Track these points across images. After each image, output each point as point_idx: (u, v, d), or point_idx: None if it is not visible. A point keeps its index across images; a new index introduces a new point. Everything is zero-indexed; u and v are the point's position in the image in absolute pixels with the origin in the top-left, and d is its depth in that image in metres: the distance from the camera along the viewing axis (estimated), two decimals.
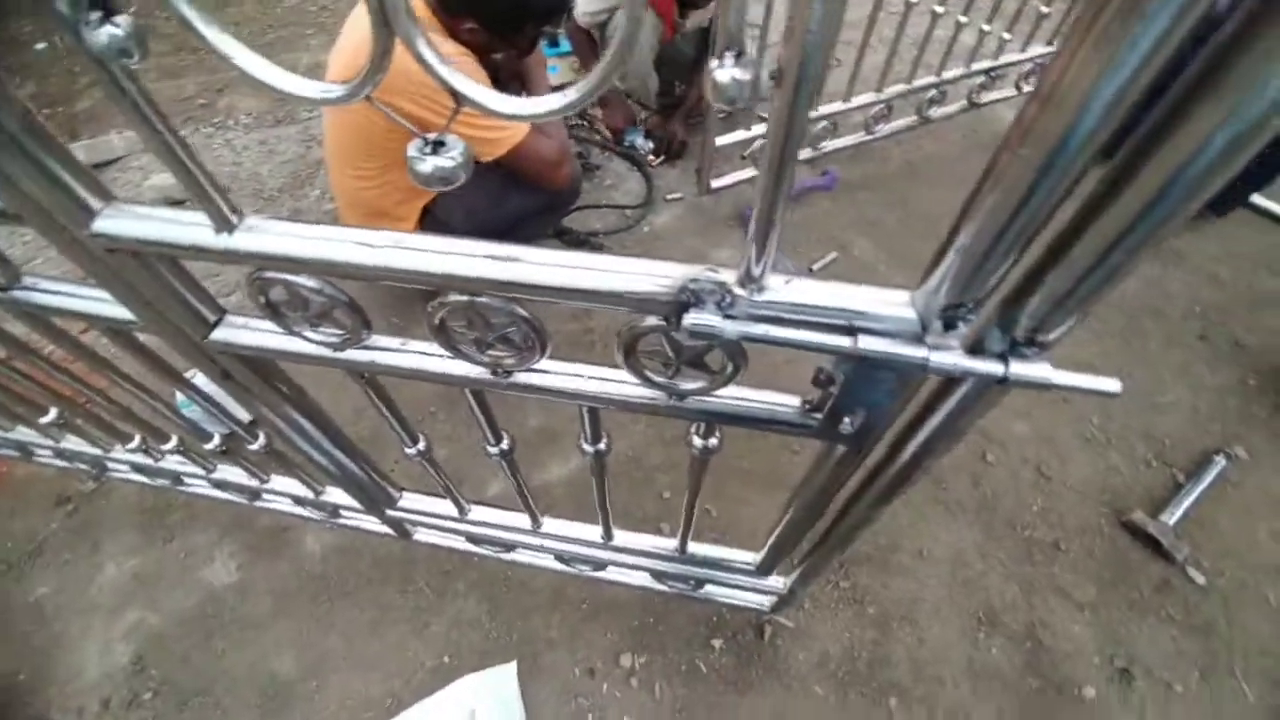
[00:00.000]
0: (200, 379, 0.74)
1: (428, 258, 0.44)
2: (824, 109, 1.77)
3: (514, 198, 1.38)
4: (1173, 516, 1.33)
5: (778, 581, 1.03)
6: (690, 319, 0.40)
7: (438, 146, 0.36)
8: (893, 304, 0.40)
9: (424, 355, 0.58)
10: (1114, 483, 1.42)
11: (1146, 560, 1.31)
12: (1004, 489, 1.42)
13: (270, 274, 0.48)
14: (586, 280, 0.43)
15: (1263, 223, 1.93)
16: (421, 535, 1.19)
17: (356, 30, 1.24)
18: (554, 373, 0.56)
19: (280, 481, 1.13)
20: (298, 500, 1.16)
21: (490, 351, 0.55)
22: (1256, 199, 1.88)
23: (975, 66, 1.92)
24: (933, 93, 1.90)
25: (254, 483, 1.13)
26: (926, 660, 1.20)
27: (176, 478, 1.19)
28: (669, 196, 1.97)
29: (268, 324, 0.56)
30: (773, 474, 1.41)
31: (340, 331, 0.55)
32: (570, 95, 0.31)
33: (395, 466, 1.38)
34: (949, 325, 0.39)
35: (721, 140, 1.71)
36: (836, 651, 1.21)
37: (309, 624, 1.24)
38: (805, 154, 1.92)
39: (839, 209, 1.99)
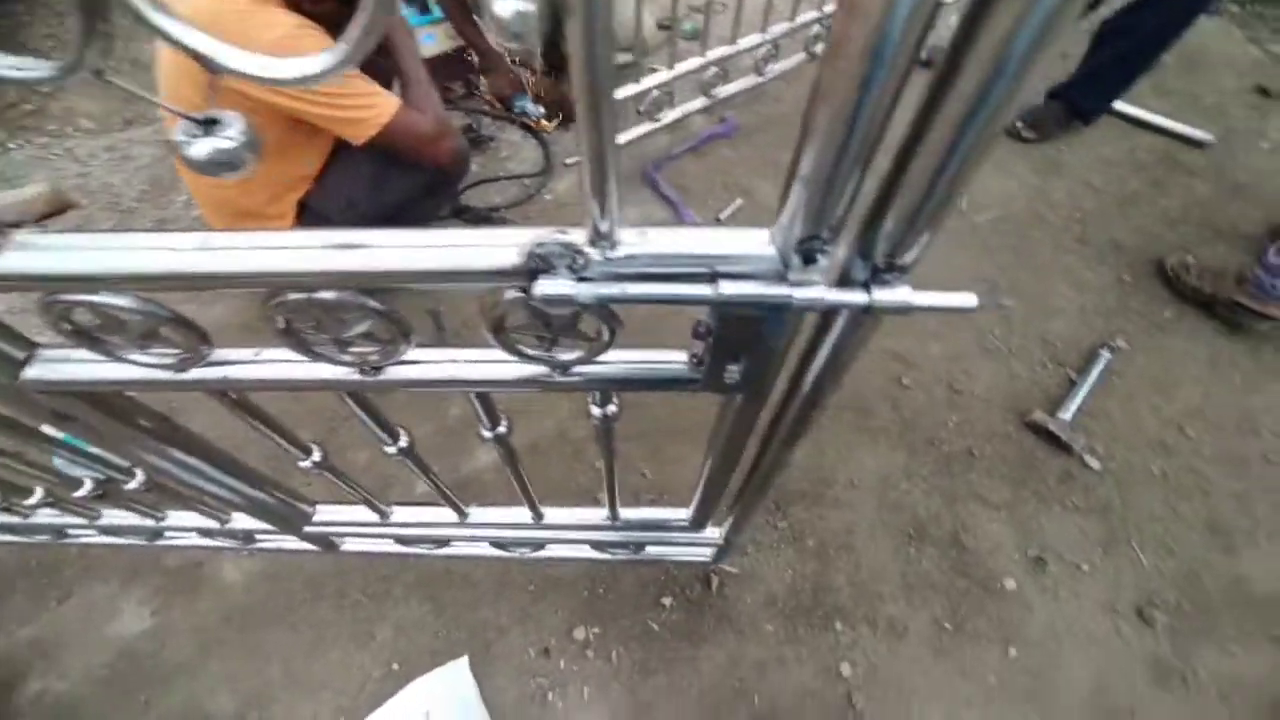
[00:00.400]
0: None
1: (240, 256, 0.38)
2: (711, 54, 1.74)
3: (396, 180, 1.29)
4: (1068, 412, 1.43)
5: (713, 533, 1.04)
6: (541, 286, 0.37)
7: (210, 125, 0.30)
8: (753, 243, 0.39)
9: (282, 363, 0.53)
10: (1016, 388, 1.52)
11: (1049, 455, 1.41)
12: (921, 409, 1.49)
13: (66, 296, 0.42)
14: (429, 260, 0.40)
15: (1125, 127, 2.06)
16: (349, 545, 1.14)
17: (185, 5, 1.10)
18: (427, 362, 0.52)
19: (179, 516, 1.04)
20: (204, 532, 1.08)
21: (351, 349, 0.50)
22: (1119, 105, 2.00)
23: None
24: (816, 28, 1.90)
25: (149, 522, 1.03)
26: (865, 581, 1.26)
27: (58, 531, 1.08)
28: (568, 161, 1.91)
29: (88, 353, 0.49)
30: (705, 430, 1.42)
31: (175, 351, 0.49)
32: (338, 53, 0.27)
33: (313, 480, 1.30)
34: (808, 259, 0.37)
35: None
36: (781, 589, 1.25)
37: (241, 657, 1.17)
38: (702, 102, 1.89)
39: (740, 155, 1.99)
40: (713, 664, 1.17)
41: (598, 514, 0.99)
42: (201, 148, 0.30)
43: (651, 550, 1.13)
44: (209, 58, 0.28)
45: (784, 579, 1.26)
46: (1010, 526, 1.33)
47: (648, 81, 1.70)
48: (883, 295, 0.37)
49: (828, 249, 0.37)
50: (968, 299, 0.38)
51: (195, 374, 0.52)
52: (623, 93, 1.69)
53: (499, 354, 0.52)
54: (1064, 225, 1.83)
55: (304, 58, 0.30)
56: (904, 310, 0.37)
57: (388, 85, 1.24)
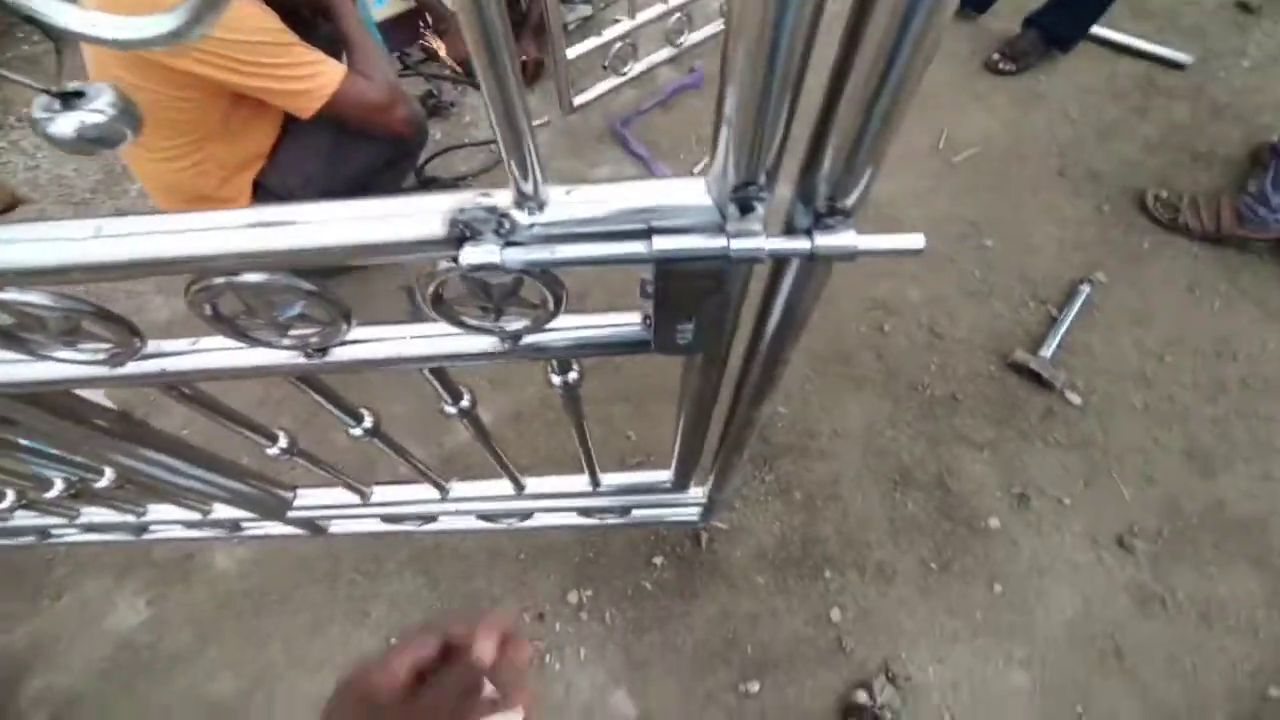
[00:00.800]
0: None
1: (142, 242, 0.36)
2: (673, 0, 1.67)
3: (352, 154, 1.24)
4: (1049, 349, 1.43)
5: (697, 492, 1.05)
6: (466, 255, 0.36)
7: (73, 99, 0.28)
8: (688, 195, 0.37)
9: (221, 351, 0.51)
10: (998, 328, 1.51)
11: (1031, 393, 1.42)
12: (903, 355, 1.49)
13: None
14: (350, 234, 0.38)
15: (1103, 52, 2.00)
16: (337, 527, 1.14)
17: None
18: (372, 341, 0.51)
19: (160, 510, 1.04)
20: (188, 524, 1.07)
21: (291, 333, 0.48)
22: (1097, 30, 1.94)
23: None
24: None
25: (129, 518, 1.03)
26: (853, 528, 1.28)
27: (41, 532, 1.07)
28: (534, 123, 1.84)
29: (10, 353, 0.47)
30: None
31: (105, 345, 0.47)
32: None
33: (295, 465, 1.29)
34: (745, 208, 0.36)
35: (574, 52, 1.59)
36: (770, 542, 1.26)
37: (241, 642, 1.19)
38: (668, 52, 1.82)
39: (711, 106, 1.91)
40: (705, 618, 1.19)
41: (580, 481, 0.99)
42: (64, 124, 0.27)
43: (638, 513, 1.14)
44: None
45: (773, 531, 1.28)
46: (993, 466, 1.34)
47: (609, 33, 1.63)
48: (826, 240, 0.36)
49: (764, 195, 0.35)
50: (915, 240, 0.37)
51: (131, 368, 0.50)
52: (584, 47, 1.62)
53: (446, 328, 0.50)
54: (1043, 159, 1.79)
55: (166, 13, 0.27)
56: (849, 255, 0.36)
57: (335, 54, 1.18)
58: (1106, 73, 1.97)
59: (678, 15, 1.69)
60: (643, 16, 1.64)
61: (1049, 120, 1.88)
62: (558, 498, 1.02)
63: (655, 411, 1.41)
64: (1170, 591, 1.21)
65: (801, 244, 0.36)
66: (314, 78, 1.07)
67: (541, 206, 0.36)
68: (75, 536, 1.10)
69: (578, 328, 0.50)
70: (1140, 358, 1.47)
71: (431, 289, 0.43)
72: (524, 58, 1.85)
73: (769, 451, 1.36)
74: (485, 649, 0.39)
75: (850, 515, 1.29)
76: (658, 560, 1.24)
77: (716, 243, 0.36)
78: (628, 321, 0.51)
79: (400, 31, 1.85)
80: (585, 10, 1.89)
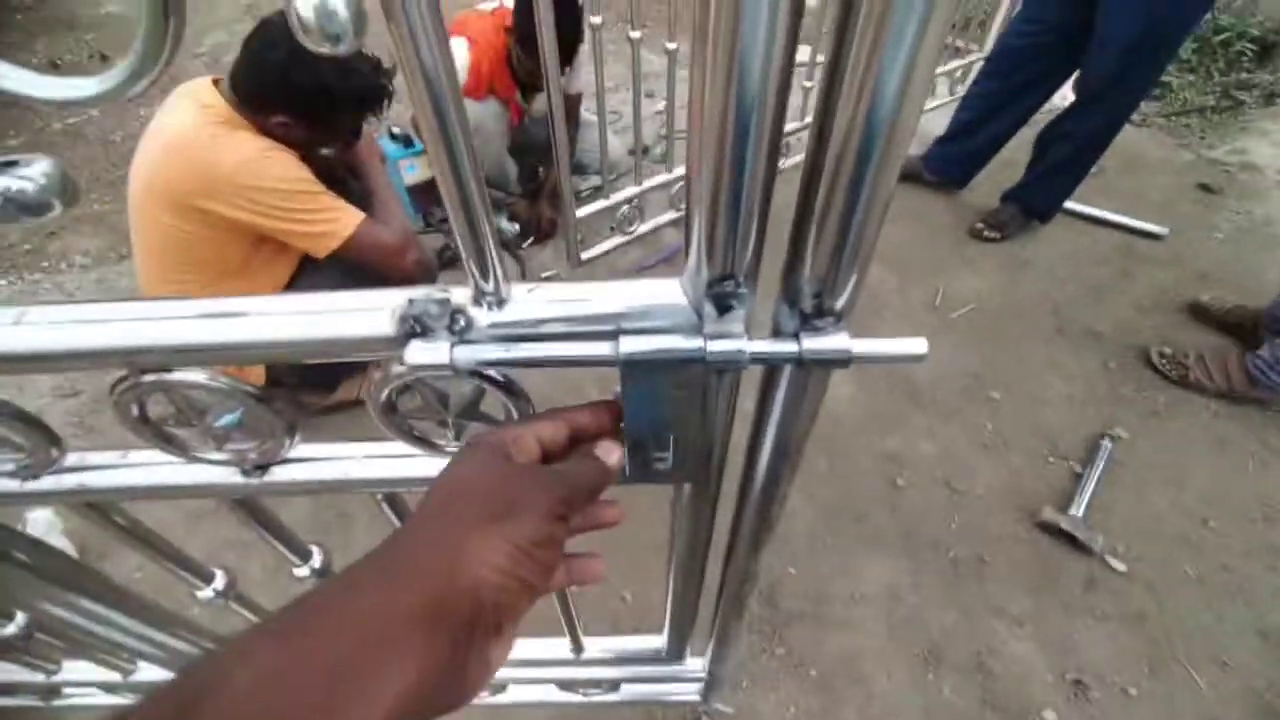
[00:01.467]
0: None
1: (62, 332, 0.33)
2: (678, 170, 1.83)
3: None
4: (1079, 507, 1.33)
5: (695, 664, 0.91)
6: (411, 352, 0.32)
7: (4, 166, 0.26)
8: (663, 294, 0.34)
9: (150, 467, 0.46)
10: (1019, 484, 1.42)
11: (1068, 557, 1.29)
12: (920, 511, 1.38)
13: None
14: (296, 329, 0.34)
15: (1080, 224, 2.14)
16: None
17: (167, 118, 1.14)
18: (317, 459, 0.45)
19: (76, 668, 0.91)
20: (107, 688, 0.93)
21: (229, 446, 0.44)
22: (1072, 204, 2.09)
23: (808, 120, 2.07)
24: (789, 140, 2.02)
25: (38, 677, 0.89)
26: (879, 717, 1.09)
27: None
28: (543, 275, 1.94)
29: None
30: None
31: (16, 455, 0.42)
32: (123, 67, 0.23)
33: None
34: (723, 307, 0.32)
35: (583, 212, 1.72)
36: None
37: None
38: (672, 215, 1.96)
39: None
40: None
41: (560, 646, 0.86)
42: None
43: (629, 689, 0.98)
44: None
45: (786, 718, 1.08)
46: (1038, 644, 1.17)
47: (617, 196, 1.77)
48: (815, 344, 0.32)
49: (742, 292, 0.32)
50: (918, 344, 0.33)
51: (47, 483, 0.45)
52: (593, 208, 1.75)
53: (402, 447, 0.45)
54: (1039, 317, 1.83)
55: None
56: (842, 359, 0.32)
57: (364, 209, 1.27)
58: (1087, 241, 2.08)
59: (680, 184, 1.85)
60: (649, 183, 1.80)
61: (1039, 282, 1.95)
62: (534, 665, 0.88)
63: (654, 570, 1.27)
64: None
65: (788, 346, 0.32)
66: (333, 221, 1.14)
67: (501, 304, 0.34)
68: None
69: None
70: (1181, 520, 1.35)
71: (383, 396, 0.39)
72: (540, 216, 2.00)
73: (778, 618, 1.21)
74: (614, 458, 0.35)
75: (875, 699, 1.10)
76: None
77: (693, 344, 0.32)
78: None
79: (426, 195, 2.04)
80: (595, 180, 2.08)
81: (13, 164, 0.27)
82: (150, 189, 1.11)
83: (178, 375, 0.37)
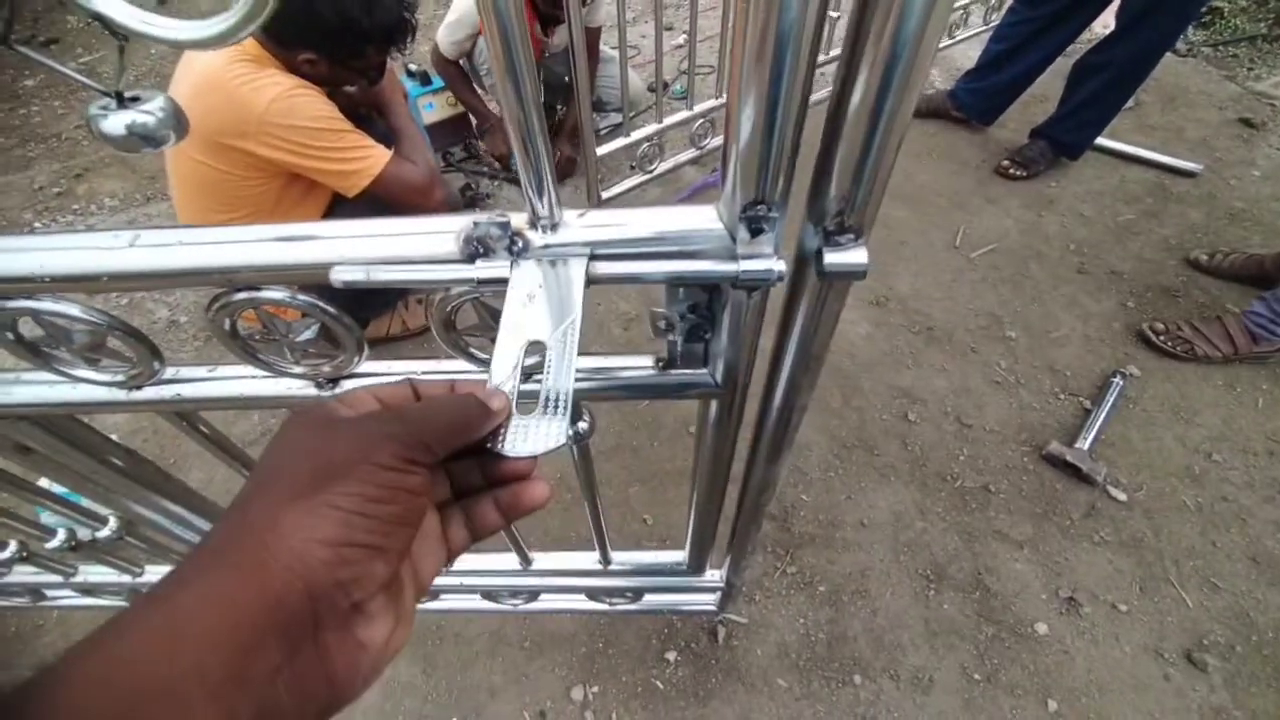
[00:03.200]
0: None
1: (172, 253, 0.38)
2: (699, 107, 1.81)
3: None
4: (1086, 441, 1.37)
5: (714, 575, 0.98)
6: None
7: (130, 101, 0.30)
8: (700, 219, 0.38)
9: (238, 380, 0.52)
10: (1029, 419, 1.46)
11: (1071, 488, 1.34)
12: (931, 444, 1.43)
13: (8, 304, 0.41)
14: (367, 250, 0.39)
15: (1110, 160, 2.09)
16: None
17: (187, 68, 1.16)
18: (382, 374, 0.51)
19: (160, 571, 1.01)
20: None
21: (306, 360, 0.49)
22: (1103, 140, 2.03)
23: (834, 53, 2.01)
24: None
25: (126, 579, 1.00)
26: (884, 629, 1.17)
27: (34, 592, 1.04)
28: None
29: (38, 372, 0.48)
30: None
31: (124, 365, 0.48)
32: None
33: None
34: (755, 230, 0.36)
35: (603, 150, 1.71)
36: (794, 639, 1.16)
37: None
38: (692, 154, 1.95)
39: None
40: None
41: (590, 558, 0.94)
42: (116, 122, 0.30)
43: (651, 599, 1.07)
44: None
45: (796, 628, 1.18)
46: (1036, 565, 1.24)
47: (637, 134, 1.76)
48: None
49: (774, 216, 0.35)
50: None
51: (149, 393, 0.51)
52: (612, 146, 1.75)
53: (458, 363, 0.50)
54: (1061, 256, 1.82)
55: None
56: (859, 273, 0.36)
57: (387, 146, 1.28)
58: (1116, 179, 2.03)
59: (701, 121, 1.83)
60: (669, 120, 1.78)
61: (1063, 221, 1.92)
62: (566, 575, 0.96)
63: (673, 496, 1.37)
64: (1252, 718, 1.06)
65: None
66: (363, 160, 1.16)
67: (555, 227, 0.37)
68: (69, 599, 1.07)
69: (588, 371, 0.50)
70: (1186, 454, 1.39)
71: (444, 313, 0.44)
72: (557, 154, 2.00)
73: (791, 540, 1.29)
74: (496, 401, 0.30)
75: (880, 613, 1.19)
76: (671, 656, 1.15)
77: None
78: (639, 364, 0.50)
79: (445, 133, 2.03)
80: (616, 118, 2.05)
81: (135, 99, 0.31)
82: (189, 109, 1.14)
83: (266, 293, 0.42)
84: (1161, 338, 1.56)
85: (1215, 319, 1.54)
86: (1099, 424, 1.40)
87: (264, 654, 0.21)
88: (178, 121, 0.32)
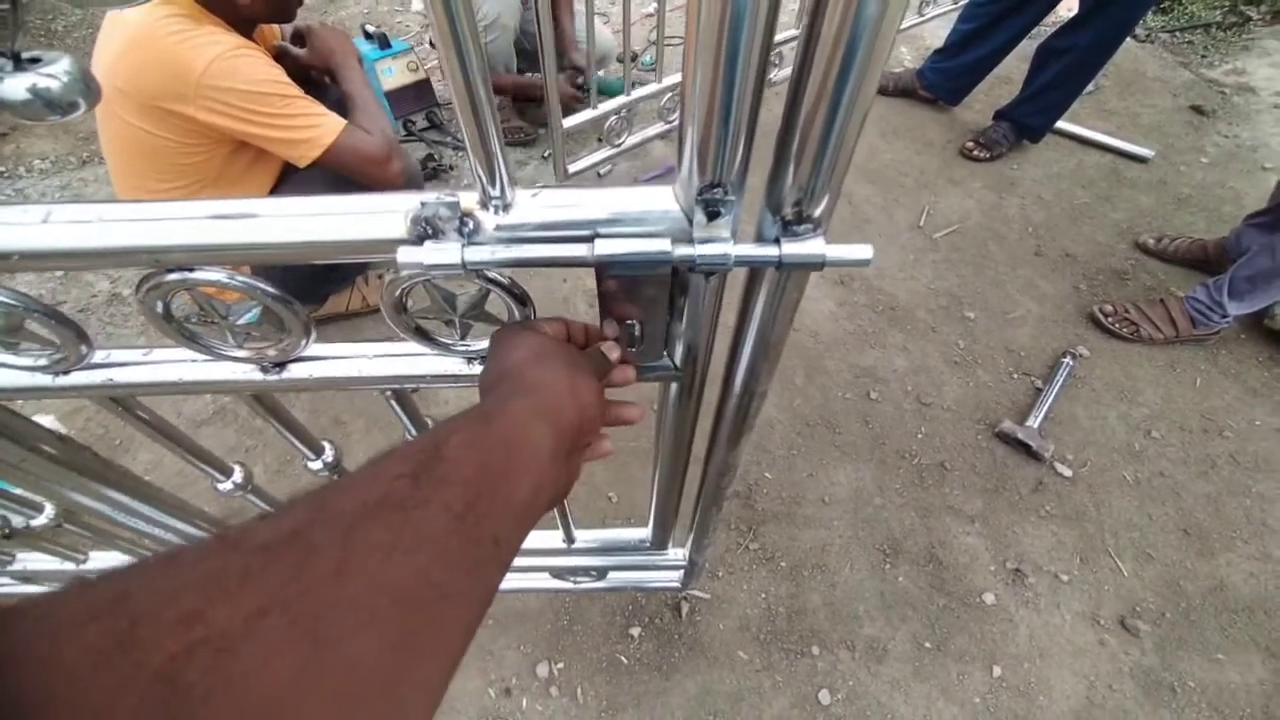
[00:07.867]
0: None
1: (102, 230, 0.35)
2: (668, 80, 1.77)
3: None
4: (1036, 420, 1.42)
5: (677, 553, 0.99)
6: (425, 252, 0.35)
7: (27, 62, 0.28)
8: (657, 200, 0.37)
9: (175, 364, 0.49)
10: (984, 398, 1.51)
11: (1020, 464, 1.39)
12: (891, 423, 1.47)
13: None
14: (313, 231, 0.37)
15: (1069, 144, 2.13)
16: None
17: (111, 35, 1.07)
18: (330, 358, 0.49)
19: (105, 558, 0.97)
20: None
21: (249, 344, 0.47)
22: (1063, 124, 2.07)
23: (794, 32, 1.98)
24: (781, 50, 1.94)
25: (68, 566, 0.96)
26: (841, 601, 1.21)
27: None
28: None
29: None
30: None
31: (47, 350, 0.45)
32: None
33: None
34: (711, 214, 0.35)
35: (570, 122, 1.67)
36: (755, 613, 1.19)
37: None
38: (660, 128, 1.91)
39: None
40: (685, 696, 1.10)
41: (554, 537, 0.94)
42: (14, 85, 0.27)
43: (616, 576, 1.08)
44: None
45: (757, 603, 1.21)
46: (986, 539, 1.29)
47: (605, 106, 1.72)
48: (793, 248, 0.35)
49: (730, 199, 0.35)
50: (864, 250, 0.36)
51: (76, 378, 0.48)
52: (580, 118, 1.70)
53: (412, 346, 0.49)
54: (1019, 239, 1.86)
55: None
56: (817, 263, 0.35)
57: (343, 114, 1.22)
58: (1074, 163, 2.08)
59: (671, 94, 1.79)
60: (637, 93, 1.74)
61: (1023, 204, 1.96)
62: (530, 555, 0.96)
63: (637, 473, 1.37)
64: (1179, 679, 1.13)
65: (769, 250, 0.35)
66: (314, 128, 1.11)
67: (507, 208, 0.36)
68: (8, 587, 1.02)
69: None
70: (1128, 432, 1.46)
71: (394, 296, 0.42)
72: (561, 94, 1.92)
73: (753, 517, 1.31)
74: (615, 354, 0.43)
75: (838, 587, 1.23)
76: (635, 631, 1.16)
77: (683, 250, 0.35)
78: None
79: (406, 101, 1.95)
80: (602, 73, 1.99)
81: (36, 60, 0.29)
82: (114, 88, 1.06)
83: (199, 274, 0.39)
84: (1110, 319, 1.62)
85: (1159, 302, 1.61)
86: (1049, 403, 1.46)
87: (567, 450, 0.35)
88: (87, 87, 0.29)
